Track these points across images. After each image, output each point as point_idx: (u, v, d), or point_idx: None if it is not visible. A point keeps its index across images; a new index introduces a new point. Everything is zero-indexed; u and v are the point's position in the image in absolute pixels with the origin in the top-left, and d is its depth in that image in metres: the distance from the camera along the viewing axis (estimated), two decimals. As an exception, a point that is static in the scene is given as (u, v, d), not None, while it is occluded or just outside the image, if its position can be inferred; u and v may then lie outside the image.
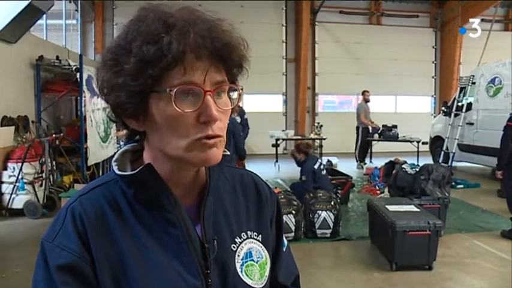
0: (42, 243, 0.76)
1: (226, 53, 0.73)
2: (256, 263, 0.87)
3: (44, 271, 0.74)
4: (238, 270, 0.84)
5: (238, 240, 0.87)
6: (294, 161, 6.54)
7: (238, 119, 8.42)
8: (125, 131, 0.84)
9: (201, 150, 0.73)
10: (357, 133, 11.08)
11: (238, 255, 0.85)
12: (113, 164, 0.81)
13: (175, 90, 0.70)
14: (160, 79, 0.71)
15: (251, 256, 0.87)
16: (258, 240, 0.90)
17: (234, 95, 0.79)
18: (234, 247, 0.85)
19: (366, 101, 11.01)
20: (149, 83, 0.70)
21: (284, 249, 0.99)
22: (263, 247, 0.90)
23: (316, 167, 6.20)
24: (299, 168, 6.41)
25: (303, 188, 5.88)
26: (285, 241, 1.01)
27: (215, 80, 0.73)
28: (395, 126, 10.59)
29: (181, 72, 0.70)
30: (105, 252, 0.75)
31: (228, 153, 0.86)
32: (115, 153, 0.85)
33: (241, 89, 0.80)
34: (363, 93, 11.13)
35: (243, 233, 0.88)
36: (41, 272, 0.74)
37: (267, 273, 0.89)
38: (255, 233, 0.90)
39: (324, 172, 6.37)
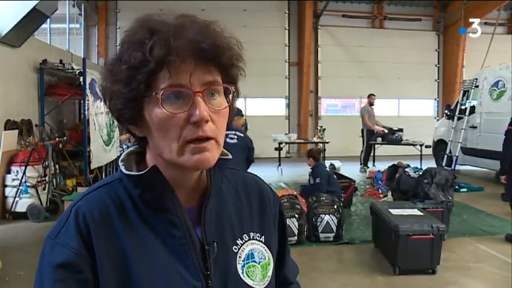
0: (45, 240, 0.78)
1: (214, 54, 0.74)
2: (258, 264, 0.88)
3: (44, 267, 0.75)
4: (240, 271, 0.85)
5: (239, 241, 0.88)
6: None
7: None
8: (127, 135, 0.86)
9: (192, 154, 0.74)
10: (362, 136, 11.08)
11: (240, 257, 0.86)
12: (120, 164, 0.83)
13: (161, 93, 0.72)
14: (149, 84, 0.73)
15: (253, 257, 0.88)
16: (261, 242, 0.91)
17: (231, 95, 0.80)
18: (235, 248, 0.86)
19: (371, 104, 11.01)
20: (141, 88, 0.73)
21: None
22: (266, 248, 0.91)
23: (328, 169, 6.26)
24: (301, 172, 6.43)
25: (317, 190, 5.86)
26: None
27: (204, 80, 0.74)
28: (400, 130, 10.55)
29: (167, 75, 0.72)
30: (109, 251, 0.76)
31: (230, 156, 0.86)
32: (119, 156, 0.87)
33: (234, 89, 0.80)
34: (369, 96, 11.13)
35: (245, 235, 0.89)
36: (41, 268, 0.76)
37: (269, 273, 0.90)
38: (257, 234, 0.91)
39: (334, 176, 6.40)
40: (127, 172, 0.80)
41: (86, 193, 0.82)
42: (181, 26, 0.73)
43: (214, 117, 0.75)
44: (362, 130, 11.06)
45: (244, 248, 0.88)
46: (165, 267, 0.78)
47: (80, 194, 0.83)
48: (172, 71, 0.72)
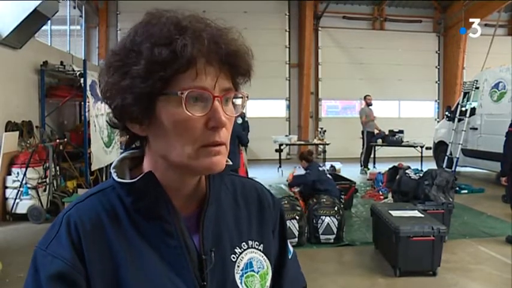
0: (36, 250, 0.75)
1: (234, 60, 0.73)
2: (257, 273, 0.86)
3: (34, 279, 0.72)
4: (238, 281, 0.83)
5: (238, 250, 0.85)
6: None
7: (240, 120, 8.48)
8: (127, 137, 0.83)
9: (206, 157, 0.73)
10: (362, 137, 11.09)
11: (238, 266, 0.84)
12: (112, 171, 0.80)
13: (186, 93, 0.69)
14: (170, 82, 0.70)
15: (252, 266, 0.85)
16: (260, 250, 0.88)
17: (238, 102, 0.79)
18: (233, 258, 0.84)
19: (368, 105, 11.02)
20: (158, 85, 0.69)
21: (290, 257, 0.97)
22: (265, 257, 0.88)
23: (320, 169, 6.29)
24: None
25: (306, 179, 6.04)
26: (291, 249, 0.98)
27: (224, 86, 0.73)
28: (401, 132, 10.55)
29: (193, 76, 0.70)
30: (101, 262, 0.73)
31: (230, 163, 0.84)
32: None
33: (247, 97, 0.79)
34: (365, 97, 11.17)
35: (244, 243, 0.86)
36: (31, 280, 0.73)
37: (268, 283, 0.87)
38: (256, 243, 0.88)
39: (329, 176, 6.40)
40: (119, 180, 0.77)
41: (78, 201, 0.79)
42: (205, 28, 0.71)
43: (227, 124, 0.74)
44: (362, 132, 11.06)
45: (243, 257, 0.85)
46: (159, 278, 0.75)
47: (72, 202, 0.80)
48: (199, 72, 0.70)
